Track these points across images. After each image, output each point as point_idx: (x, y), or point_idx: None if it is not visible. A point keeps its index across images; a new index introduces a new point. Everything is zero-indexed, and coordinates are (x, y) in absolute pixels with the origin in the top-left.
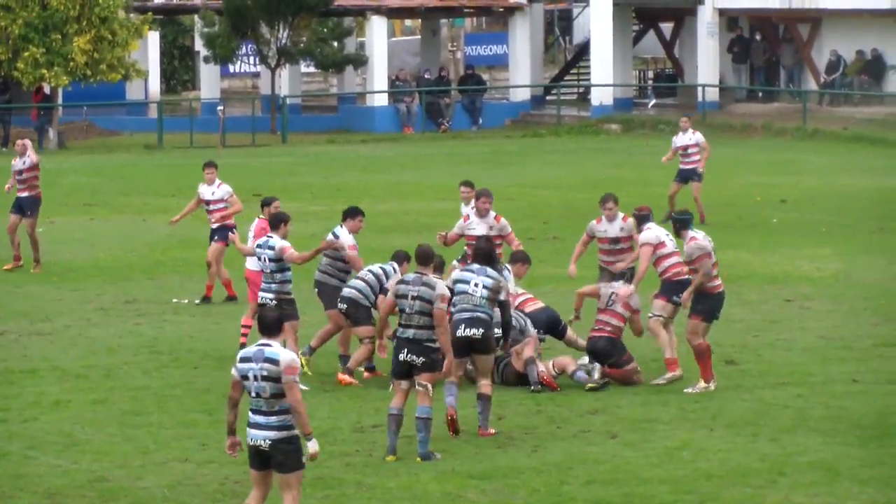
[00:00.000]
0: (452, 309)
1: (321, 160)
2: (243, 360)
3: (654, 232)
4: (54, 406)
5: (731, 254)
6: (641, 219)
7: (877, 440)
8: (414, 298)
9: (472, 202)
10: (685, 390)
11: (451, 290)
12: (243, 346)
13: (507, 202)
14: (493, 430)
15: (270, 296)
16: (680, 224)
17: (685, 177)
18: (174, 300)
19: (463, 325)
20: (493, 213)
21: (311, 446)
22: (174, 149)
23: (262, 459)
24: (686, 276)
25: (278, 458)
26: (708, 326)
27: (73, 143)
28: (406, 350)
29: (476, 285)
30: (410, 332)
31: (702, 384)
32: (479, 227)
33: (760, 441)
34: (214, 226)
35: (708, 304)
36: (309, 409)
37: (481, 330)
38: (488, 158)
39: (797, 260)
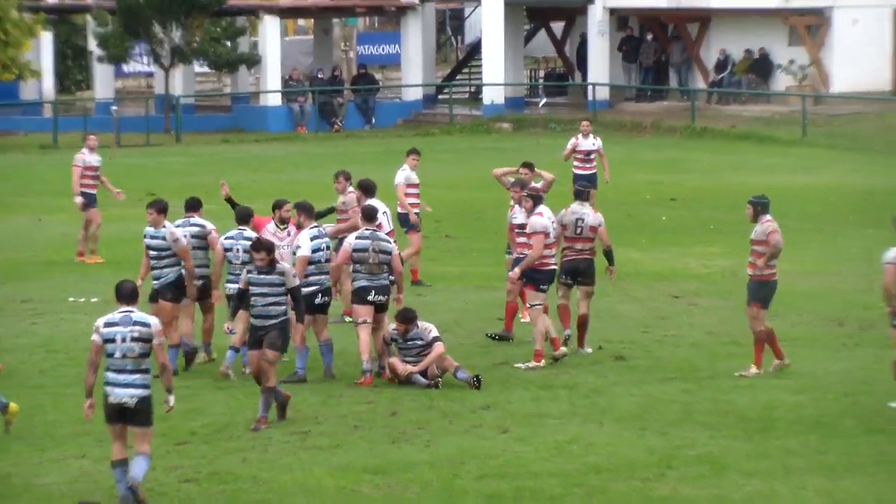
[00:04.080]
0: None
1: (215, 160)
2: (109, 324)
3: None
4: None
5: (621, 252)
6: (536, 200)
7: (761, 433)
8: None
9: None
10: (735, 374)
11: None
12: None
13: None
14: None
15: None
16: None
17: (586, 180)
18: (70, 299)
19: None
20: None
21: (171, 400)
22: (69, 149)
23: (122, 415)
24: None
25: (140, 414)
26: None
27: None
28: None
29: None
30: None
31: (753, 369)
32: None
33: (648, 435)
34: None
35: (766, 291)
36: (204, 406)
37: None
38: (381, 158)
39: (685, 257)
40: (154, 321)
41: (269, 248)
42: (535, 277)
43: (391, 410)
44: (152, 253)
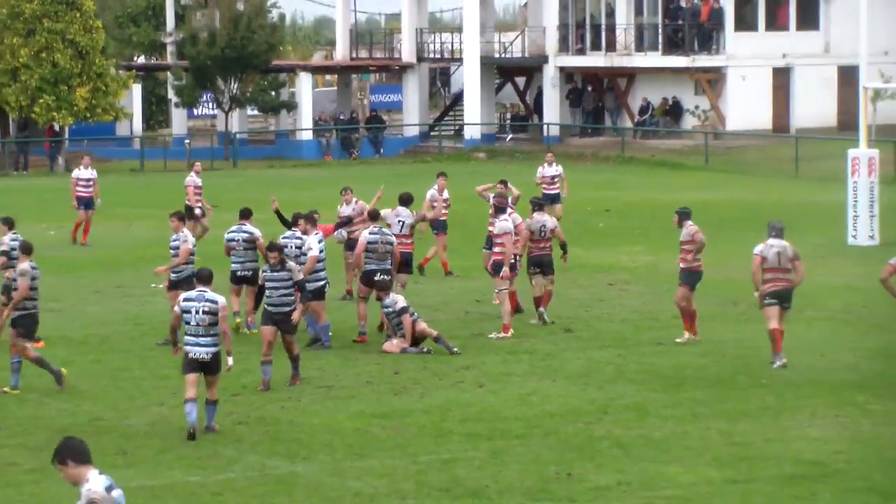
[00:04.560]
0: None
1: (263, 180)
2: (187, 300)
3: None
4: (62, 364)
5: (570, 250)
6: (499, 209)
7: (675, 387)
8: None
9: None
10: (677, 340)
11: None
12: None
13: None
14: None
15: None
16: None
17: (551, 200)
18: (152, 285)
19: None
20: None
21: (230, 361)
22: (152, 172)
23: (199, 367)
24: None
25: (213, 365)
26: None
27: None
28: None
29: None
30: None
31: (687, 335)
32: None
33: (590, 389)
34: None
35: (693, 278)
36: (253, 366)
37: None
38: (388, 179)
39: (618, 254)
40: (221, 300)
41: (280, 248)
42: (500, 268)
43: (394, 370)
44: (172, 252)
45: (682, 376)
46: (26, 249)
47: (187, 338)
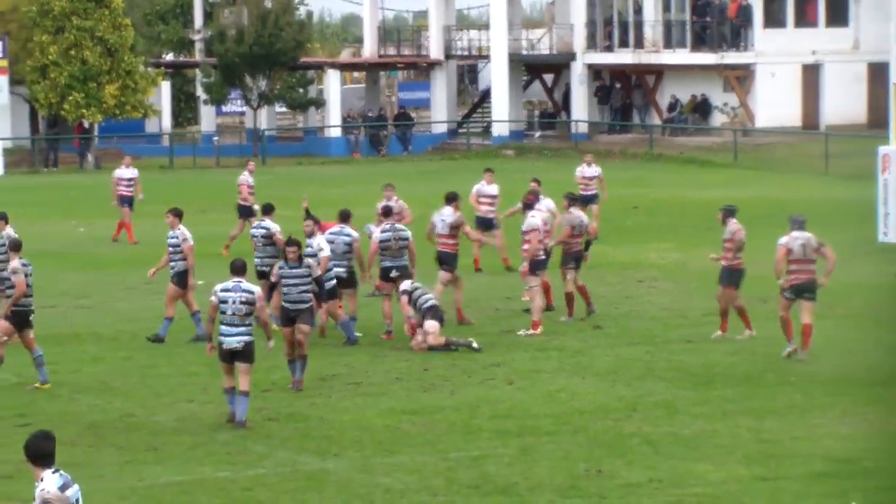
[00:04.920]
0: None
1: (291, 177)
2: (224, 290)
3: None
4: (93, 361)
5: (597, 247)
6: (528, 206)
7: (705, 385)
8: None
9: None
10: (736, 337)
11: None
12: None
13: (430, 208)
14: None
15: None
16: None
17: (587, 200)
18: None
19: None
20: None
21: (271, 343)
22: (181, 169)
23: (233, 356)
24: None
25: (245, 354)
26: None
27: (106, 164)
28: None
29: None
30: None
31: (747, 332)
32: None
33: (619, 386)
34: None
35: (735, 277)
36: (283, 363)
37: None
38: (416, 177)
39: (646, 251)
40: (257, 290)
41: (298, 243)
42: (532, 265)
43: (424, 367)
44: (170, 249)
45: (711, 374)
46: (15, 246)
47: (221, 327)
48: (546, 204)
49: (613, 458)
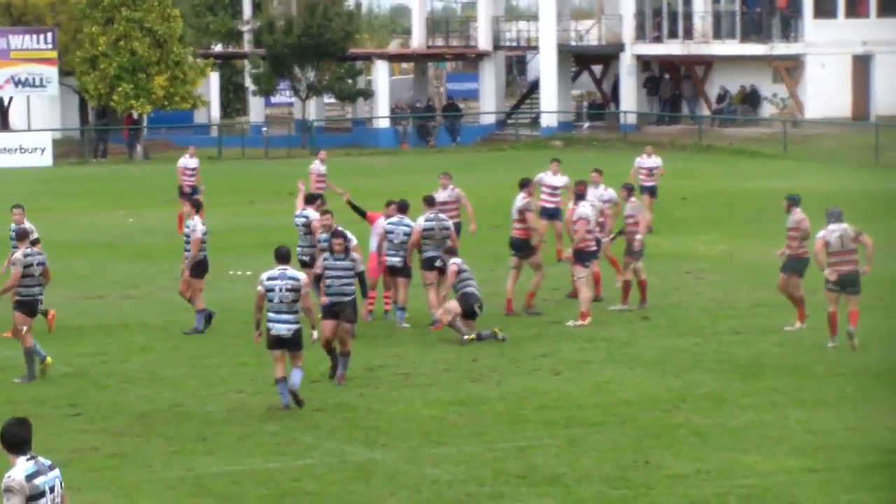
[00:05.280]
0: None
1: (340, 168)
2: (270, 278)
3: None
4: (142, 351)
5: (647, 238)
6: (579, 196)
7: (753, 376)
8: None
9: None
10: (786, 328)
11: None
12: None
13: (478, 199)
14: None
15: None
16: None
17: (649, 192)
18: (230, 272)
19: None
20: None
21: (316, 334)
22: (230, 160)
23: (282, 343)
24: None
25: (294, 342)
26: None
27: (154, 155)
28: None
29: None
30: None
31: (798, 324)
32: None
33: (667, 377)
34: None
35: (800, 265)
36: (324, 354)
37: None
38: (464, 167)
39: (694, 243)
40: (302, 276)
41: (344, 235)
42: (580, 256)
43: (472, 358)
44: (185, 239)
45: (759, 365)
46: (21, 236)
47: (269, 314)
48: (609, 194)
49: (661, 448)
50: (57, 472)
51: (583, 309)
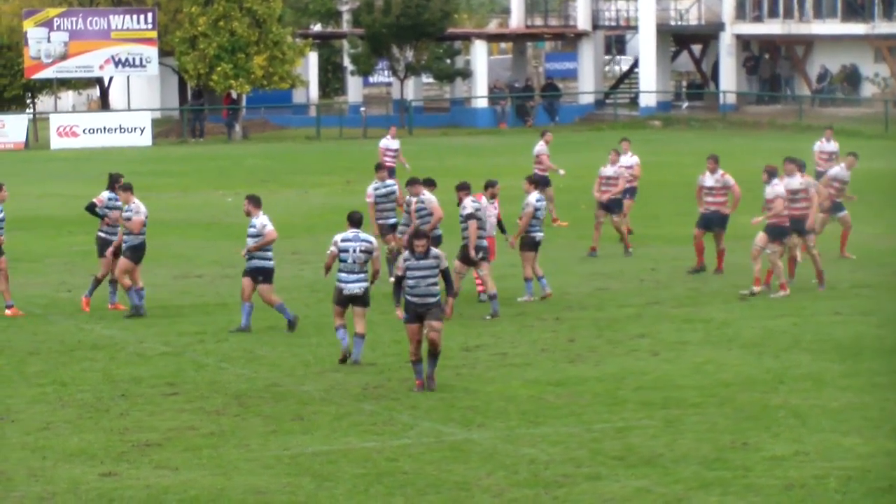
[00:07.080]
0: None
1: (437, 148)
2: (345, 240)
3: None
4: (240, 330)
5: (747, 219)
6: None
7: (853, 357)
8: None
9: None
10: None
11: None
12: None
13: (576, 180)
14: None
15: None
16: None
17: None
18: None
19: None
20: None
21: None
22: (328, 139)
23: (350, 300)
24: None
25: (362, 299)
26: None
27: (253, 135)
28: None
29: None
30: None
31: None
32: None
33: (765, 358)
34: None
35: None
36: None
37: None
38: (563, 147)
39: None
40: (374, 240)
41: (426, 235)
42: (773, 231)
43: (569, 338)
44: (251, 234)
45: (859, 346)
46: (126, 187)
47: (341, 275)
48: (633, 160)
49: (759, 430)
50: None
51: (781, 280)
